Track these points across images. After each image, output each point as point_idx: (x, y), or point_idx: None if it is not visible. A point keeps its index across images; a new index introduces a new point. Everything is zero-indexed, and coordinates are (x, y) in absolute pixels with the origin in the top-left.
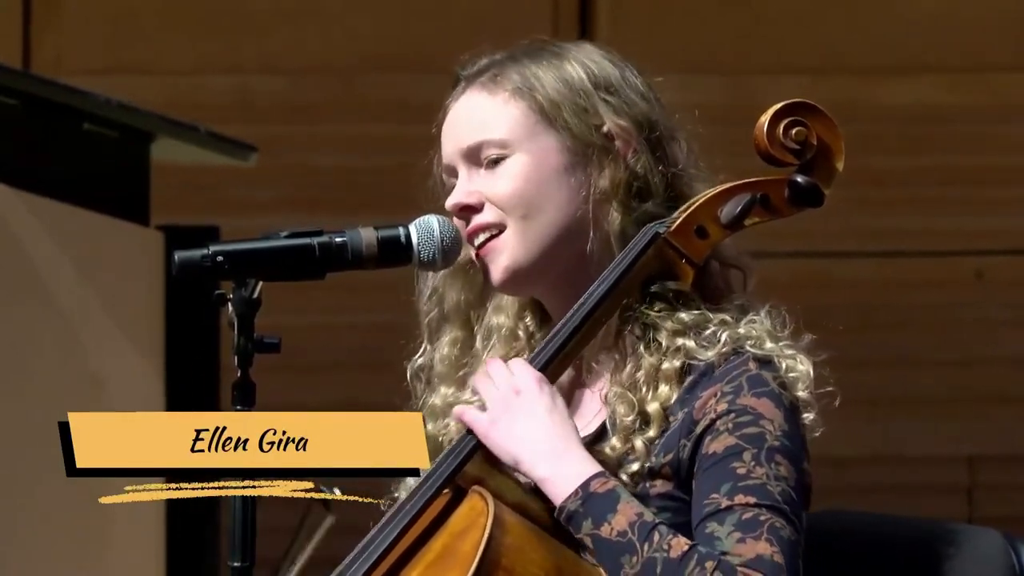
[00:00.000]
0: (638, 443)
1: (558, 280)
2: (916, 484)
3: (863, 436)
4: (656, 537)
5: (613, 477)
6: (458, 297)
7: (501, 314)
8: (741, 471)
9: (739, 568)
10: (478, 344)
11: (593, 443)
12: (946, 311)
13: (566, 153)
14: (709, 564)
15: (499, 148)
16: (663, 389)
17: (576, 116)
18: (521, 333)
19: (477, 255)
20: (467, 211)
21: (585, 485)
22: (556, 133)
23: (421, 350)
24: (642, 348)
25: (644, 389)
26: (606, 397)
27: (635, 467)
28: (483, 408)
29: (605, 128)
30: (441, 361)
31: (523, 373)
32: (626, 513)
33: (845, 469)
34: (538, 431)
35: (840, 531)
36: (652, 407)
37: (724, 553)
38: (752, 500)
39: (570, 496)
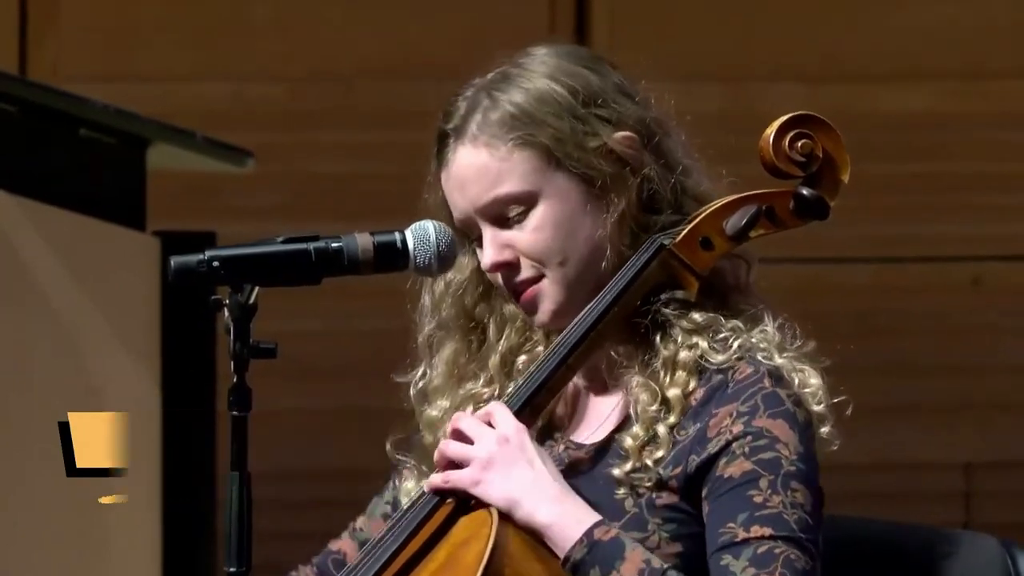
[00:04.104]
0: (661, 429)
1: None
2: (913, 490)
3: (860, 442)
4: None
5: (614, 527)
6: (465, 302)
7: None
8: (758, 499)
9: None
10: (491, 335)
11: (615, 432)
12: (943, 317)
13: (582, 188)
14: None
15: (519, 203)
16: (680, 375)
17: (580, 149)
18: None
19: (518, 302)
20: (504, 268)
21: (589, 533)
22: (566, 172)
23: (421, 371)
24: (659, 340)
25: (662, 375)
26: (629, 386)
27: (660, 453)
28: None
29: (608, 147)
30: (439, 376)
31: (505, 421)
32: (634, 560)
33: (842, 475)
34: (534, 478)
35: (837, 537)
36: (672, 392)
37: None
38: (768, 532)
39: (575, 545)
